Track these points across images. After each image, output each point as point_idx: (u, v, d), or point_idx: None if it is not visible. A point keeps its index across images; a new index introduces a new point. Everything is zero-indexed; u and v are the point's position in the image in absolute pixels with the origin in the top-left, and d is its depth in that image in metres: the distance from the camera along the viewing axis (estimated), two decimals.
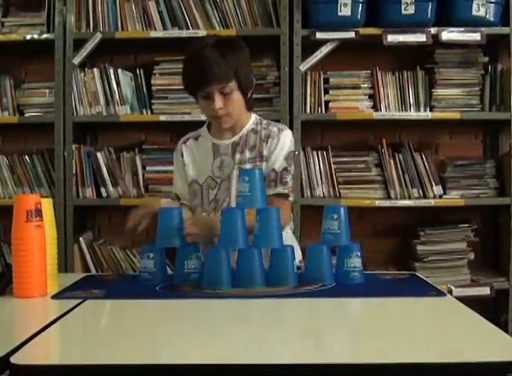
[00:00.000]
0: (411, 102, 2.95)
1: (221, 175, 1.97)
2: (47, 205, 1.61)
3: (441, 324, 1.29)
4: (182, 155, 2.04)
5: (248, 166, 1.94)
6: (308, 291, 1.56)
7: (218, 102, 1.85)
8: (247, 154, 1.96)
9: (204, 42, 1.88)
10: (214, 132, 2.02)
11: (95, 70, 2.96)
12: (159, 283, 1.65)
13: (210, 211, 1.98)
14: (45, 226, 1.54)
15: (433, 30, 2.83)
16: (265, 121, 2.03)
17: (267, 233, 1.63)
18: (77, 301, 1.46)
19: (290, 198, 1.98)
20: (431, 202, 2.90)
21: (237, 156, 1.96)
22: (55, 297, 1.54)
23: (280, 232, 1.65)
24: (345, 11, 2.78)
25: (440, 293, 1.56)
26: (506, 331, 1.18)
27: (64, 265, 2.82)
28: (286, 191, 1.93)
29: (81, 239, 2.96)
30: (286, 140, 1.96)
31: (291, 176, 1.97)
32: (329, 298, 1.51)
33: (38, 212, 1.52)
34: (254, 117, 2.03)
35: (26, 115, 3.02)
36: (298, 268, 1.75)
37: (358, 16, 2.81)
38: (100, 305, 1.50)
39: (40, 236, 1.53)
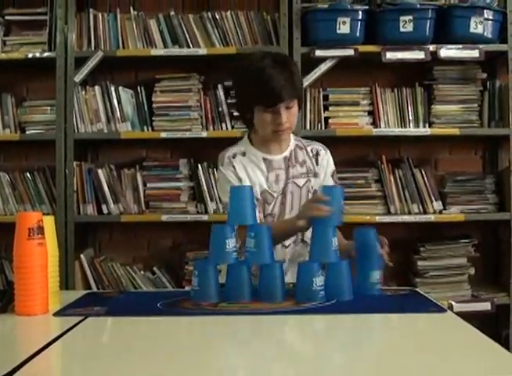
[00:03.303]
0: (410, 118, 2.97)
1: (277, 189, 2.02)
2: (49, 223, 1.61)
3: (442, 341, 1.29)
4: (235, 169, 2.02)
5: (301, 180, 2.03)
6: (306, 308, 1.55)
7: (284, 116, 1.93)
8: (299, 169, 2.04)
9: (264, 61, 1.90)
10: (261, 147, 2.05)
11: (96, 87, 2.99)
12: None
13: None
14: (46, 244, 1.55)
15: (431, 47, 2.85)
16: (300, 138, 2.14)
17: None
18: (78, 319, 1.46)
19: None
20: (431, 217, 2.91)
21: (290, 170, 2.03)
22: (57, 314, 1.53)
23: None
24: (344, 29, 2.81)
25: (440, 309, 1.56)
26: (508, 346, 1.18)
27: (65, 282, 2.82)
28: None
29: (82, 256, 2.96)
30: (331, 159, 2.11)
31: None
32: (328, 315, 1.51)
33: (40, 230, 1.53)
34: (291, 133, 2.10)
35: (27, 132, 3.04)
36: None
37: (357, 34, 2.84)
38: (102, 322, 1.50)
39: (42, 253, 1.53)
